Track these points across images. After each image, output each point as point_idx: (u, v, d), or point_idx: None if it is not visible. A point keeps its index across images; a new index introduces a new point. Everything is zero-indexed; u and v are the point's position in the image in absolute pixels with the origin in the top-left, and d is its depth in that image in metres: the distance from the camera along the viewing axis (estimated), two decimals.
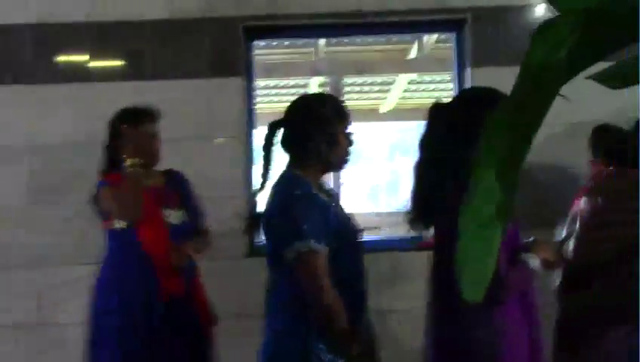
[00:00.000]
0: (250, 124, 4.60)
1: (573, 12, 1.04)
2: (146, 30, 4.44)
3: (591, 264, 2.54)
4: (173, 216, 3.36)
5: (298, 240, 2.27)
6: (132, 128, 3.29)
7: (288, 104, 2.60)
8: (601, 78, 1.54)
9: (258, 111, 4.83)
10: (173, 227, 3.33)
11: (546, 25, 1.07)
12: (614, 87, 1.54)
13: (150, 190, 3.32)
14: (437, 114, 2.60)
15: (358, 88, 8.90)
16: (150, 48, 4.44)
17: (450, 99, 2.67)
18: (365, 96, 9.09)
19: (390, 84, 8.92)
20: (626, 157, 3.12)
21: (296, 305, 2.36)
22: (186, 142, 4.33)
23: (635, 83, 1.50)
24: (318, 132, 2.43)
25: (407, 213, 2.60)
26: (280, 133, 2.53)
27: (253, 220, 2.55)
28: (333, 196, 2.58)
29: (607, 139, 3.85)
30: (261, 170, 2.52)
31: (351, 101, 8.66)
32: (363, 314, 2.47)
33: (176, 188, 3.45)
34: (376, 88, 9.12)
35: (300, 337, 2.34)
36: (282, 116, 2.56)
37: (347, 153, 2.52)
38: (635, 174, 2.77)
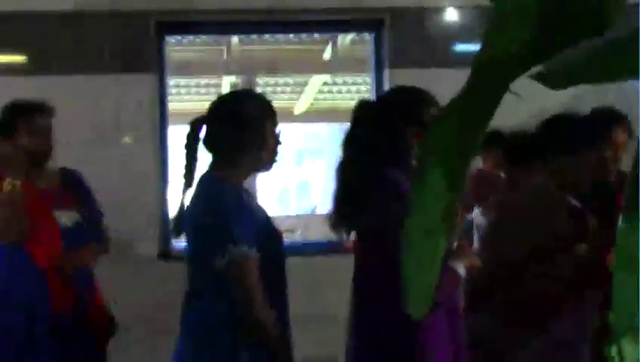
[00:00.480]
0: (162, 123, 4.43)
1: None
2: (49, 23, 4.21)
3: (492, 279, 2.51)
4: (66, 218, 3.10)
5: (230, 245, 2.13)
6: (25, 121, 3.05)
7: (213, 100, 2.47)
8: (541, 77, 1.48)
9: (170, 109, 4.66)
10: (65, 230, 3.07)
11: (501, 14, 0.98)
12: (555, 87, 1.48)
13: (42, 191, 3.09)
14: (363, 112, 2.50)
15: (270, 88, 8.78)
16: (54, 42, 4.21)
17: (375, 98, 2.57)
18: (278, 96, 8.99)
19: (304, 85, 8.84)
20: (523, 159, 3.18)
21: (221, 313, 2.22)
22: (94, 142, 4.14)
23: (581, 82, 1.44)
24: (246, 131, 2.32)
25: (329, 215, 2.49)
26: (203, 131, 2.39)
27: (180, 222, 2.39)
28: (254, 198, 2.46)
29: (501, 143, 3.72)
30: (184, 171, 2.37)
31: None
32: (288, 323, 2.36)
33: (71, 188, 3.21)
34: (289, 89, 9.03)
35: (224, 348, 2.21)
36: (206, 113, 2.41)
37: (275, 153, 2.41)
38: (529, 185, 2.79)
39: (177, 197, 2.40)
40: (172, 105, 5.36)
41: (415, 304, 1.02)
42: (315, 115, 9.97)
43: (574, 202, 2.53)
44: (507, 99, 0.99)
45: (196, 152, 2.38)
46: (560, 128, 2.65)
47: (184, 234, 2.38)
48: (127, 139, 4.27)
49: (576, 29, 0.97)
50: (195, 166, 2.37)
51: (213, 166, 2.36)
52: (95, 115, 4.17)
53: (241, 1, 4.38)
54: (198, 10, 4.37)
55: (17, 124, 3.04)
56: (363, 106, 2.56)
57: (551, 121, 2.67)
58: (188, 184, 2.35)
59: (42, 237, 3.02)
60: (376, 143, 2.39)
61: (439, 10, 4.43)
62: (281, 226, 2.59)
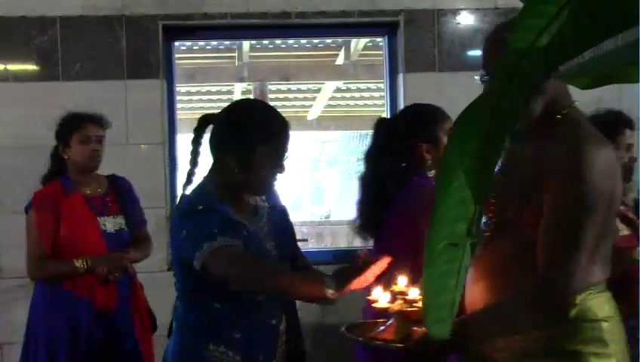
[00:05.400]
0: (171, 130, 4.37)
1: None
2: (56, 27, 4.15)
3: None
4: (109, 224, 3.34)
5: (208, 241, 2.02)
6: (77, 131, 3.33)
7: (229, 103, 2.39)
8: (569, 76, 1.40)
9: (179, 117, 4.60)
10: (108, 235, 3.31)
11: (533, 5, 0.90)
12: (584, 87, 1.40)
13: (87, 198, 3.33)
14: (379, 128, 2.74)
15: (283, 95, 8.72)
16: (61, 47, 4.16)
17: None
18: (290, 103, 8.93)
19: (316, 91, 8.77)
20: None
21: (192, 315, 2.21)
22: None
23: (610, 82, 1.36)
24: (232, 144, 2.16)
25: (354, 221, 2.64)
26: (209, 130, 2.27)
27: None
28: (259, 219, 2.29)
29: None
30: (188, 165, 2.27)
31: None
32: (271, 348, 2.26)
33: (117, 194, 3.43)
34: (302, 95, 8.97)
35: (193, 346, 2.20)
36: (217, 114, 2.27)
37: (268, 177, 2.21)
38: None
39: (179, 194, 2.34)
40: (182, 113, 5.31)
41: (437, 322, 0.94)
42: (328, 121, 9.91)
43: None
44: None
45: (199, 149, 2.28)
46: None
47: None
48: (135, 147, 4.20)
49: (602, 28, 0.90)
50: (197, 162, 2.27)
51: (208, 174, 2.25)
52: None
53: (253, 5, 4.31)
54: (207, 15, 4.31)
55: (71, 135, 3.31)
56: (380, 122, 2.80)
57: None
58: (188, 181, 2.25)
59: (86, 241, 3.24)
60: (391, 157, 2.62)
61: (456, 11, 4.34)
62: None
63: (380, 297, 1.93)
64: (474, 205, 0.90)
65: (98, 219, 3.30)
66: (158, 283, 4.00)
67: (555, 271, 1.72)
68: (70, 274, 3.19)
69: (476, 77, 1.81)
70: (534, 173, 1.80)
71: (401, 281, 1.96)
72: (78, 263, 3.17)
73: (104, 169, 3.48)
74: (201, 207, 2.10)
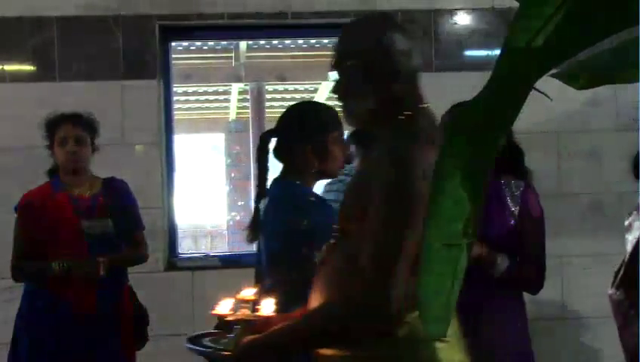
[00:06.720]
0: (168, 130, 4.37)
1: None
2: (52, 27, 4.15)
3: None
4: (95, 226, 3.27)
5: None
6: (57, 132, 3.29)
7: (283, 112, 2.63)
8: (564, 76, 1.40)
9: (176, 117, 4.59)
10: (90, 237, 3.24)
11: (529, 5, 0.90)
12: (580, 87, 1.39)
13: (74, 199, 3.27)
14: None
15: (279, 95, 8.73)
16: (58, 47, 4.15)
17: None
18: (287, 103, 8.92)
19: (313, 91, 8.78)
20: None
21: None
22: (99, 150, 4.06)
23: (606, 82, 1.35)
24: (306, 141, 2.44)
25: None
26: (272, 143, 2.55)
27: (255, 228, 2.52)
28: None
29: None
30: (257, 182, 2.53)
31: (272, 109, 8.49)
32: None
33: (109, 196, 3.35)
34: (299, 96, 8.98)
35: None
36: (275, 125, 2.58)
37: (341, 160, 2.53)
38: None
39: (252, 205, 2.56)
40: (179, 113, 5.31)
41: (434, 322, 0.94)
42: None
43: None
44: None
45: (267, 164, 2.53)
46: None
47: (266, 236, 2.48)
48: (131, 147, 4.20)
49: (598, 28, 0.89)
50: (266, 177, 2.51)
51: (283, 173, 2.51)
52: (100, 123, 4.10)
53: (248, 6, 4.31)
54: (203, 15, 4.30)
55: (52, 137, 3.29)
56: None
57: None
58: (261, 194, 2.50)
59: (66, 242, 3.19)
60: None
61: (453, 12, 4.35)
62: None
63: (221, 305, 1.89)
64: (470, 206, 0.90)
65: (82, 221, 3.24)
66: (153, 284, 4.01)
67: (369, 286, 1.54)
68: (46, 275, 3.15)
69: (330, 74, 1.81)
70: (367, 177, 1.65)
71: (248, 291, 1.91)
72: (55, 265, 3.12)
73: (100, 169, 3.47)
74: (314, 199, 2.45)
